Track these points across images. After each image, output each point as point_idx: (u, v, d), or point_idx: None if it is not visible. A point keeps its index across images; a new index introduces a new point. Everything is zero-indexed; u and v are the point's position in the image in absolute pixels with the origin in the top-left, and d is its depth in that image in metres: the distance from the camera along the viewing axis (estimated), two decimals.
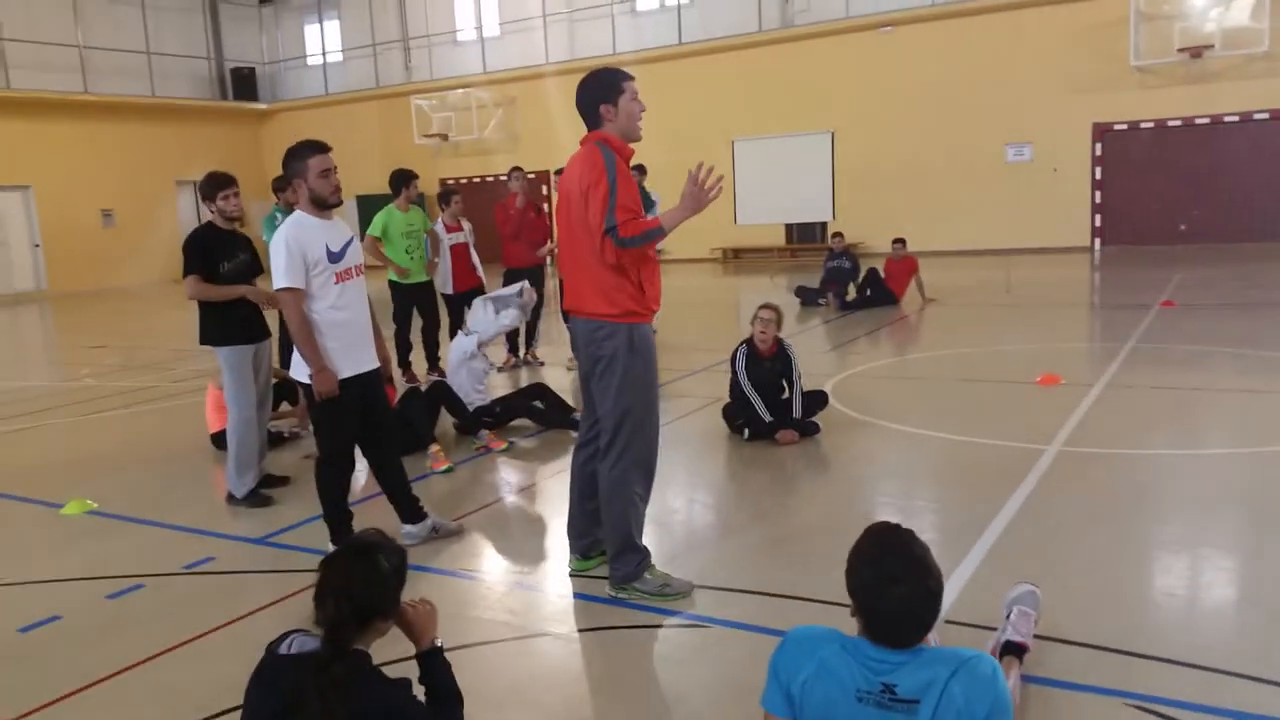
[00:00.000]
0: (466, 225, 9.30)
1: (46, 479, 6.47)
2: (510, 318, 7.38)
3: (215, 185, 5.57)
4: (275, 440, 6.66)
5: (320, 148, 4.44)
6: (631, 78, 4.07)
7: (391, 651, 2.81)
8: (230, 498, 5.65)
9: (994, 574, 4.03)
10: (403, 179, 8.72)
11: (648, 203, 9.03)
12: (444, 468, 6.10)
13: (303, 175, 4.41)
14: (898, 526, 2.23)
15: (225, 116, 28.25)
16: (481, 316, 7.31)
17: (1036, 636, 3.28)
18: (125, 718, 3.32)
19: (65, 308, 20.86)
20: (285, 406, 7.28)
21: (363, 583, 2.43)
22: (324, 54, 28.71)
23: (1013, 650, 3.11)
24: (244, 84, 28.74)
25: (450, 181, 24.09)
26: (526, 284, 7.71)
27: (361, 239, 5.15)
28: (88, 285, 24.07)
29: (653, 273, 4.08)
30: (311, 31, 29.10)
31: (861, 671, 2.12)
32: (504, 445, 6.58)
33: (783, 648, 2.26)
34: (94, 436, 7.95)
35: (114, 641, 3.91)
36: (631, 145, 4.07)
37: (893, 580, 2.09)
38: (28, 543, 5.30)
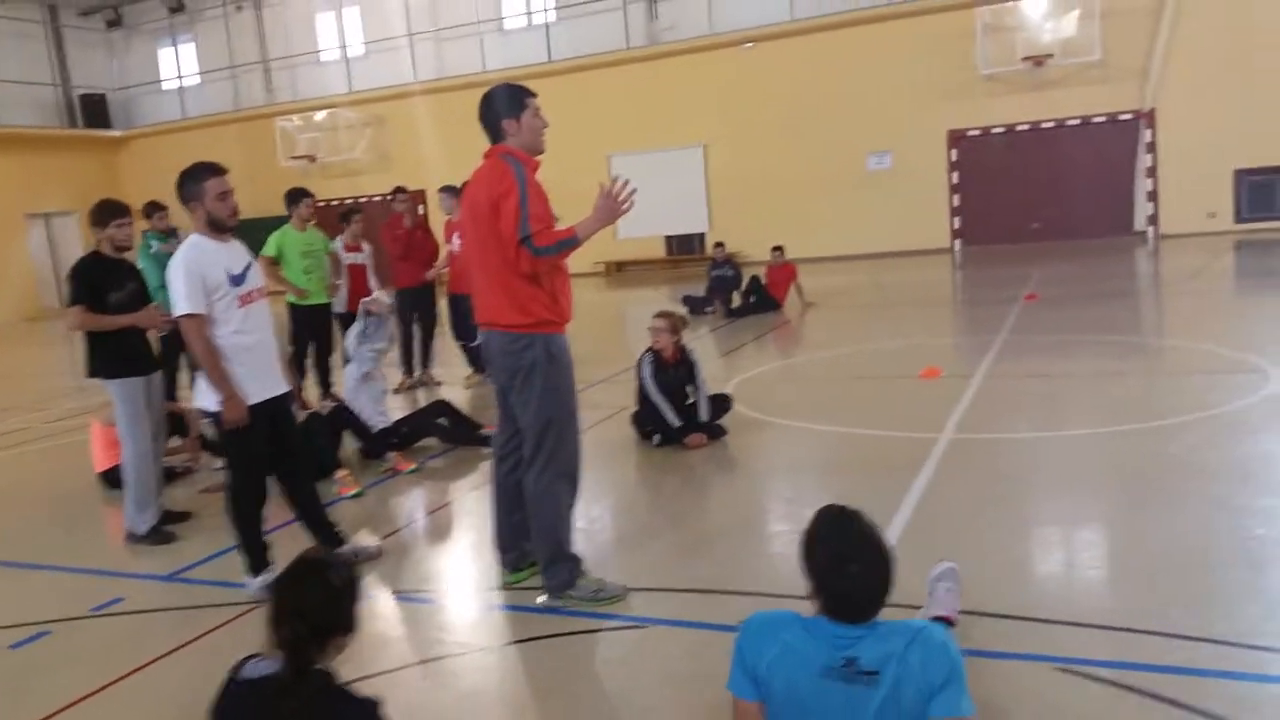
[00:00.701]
0: (366, 246, 9.16)
1: None
2: (370, 349, 7.14)
3: (110, 213, 5.37)
4: (169, 475, 6.41)
5: (217, 170, 4.35)
6: (534, 94, 4.16)
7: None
8: (131, 536, 5.42)
9: (910, 555, 4.18)
10: (293, 197, 8.47)
11: None
12: (353, 493, 6.00)
13: (200, 198, 4.31)
14: (845, 507, 2.34)
15: (76, 145, 26.82)
16: (353, 348, 7.15)
17: (960, 612, 3.48)
18: None
19: None
20: (175, 440, 7.01)
21: (316, 601, 2.40)
22: (180, 78, 27.63)
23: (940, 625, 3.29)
24: (94, 110, 27.35)
25: (319, 204, 23.54)
26: (377, 299, 7.46)
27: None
28: None
29: (564, 283, 4.14)
30: (165, 55, 27.96)
31: (824, 648, 2.23)
32: (412, 466, 6.50)
33: (745, 633, 2.35)
34: None
35: (26, 691, 3.72)
36: (536, 158, 4.14)
37: (848, 559, 2.20)
38: None
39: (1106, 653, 3.30)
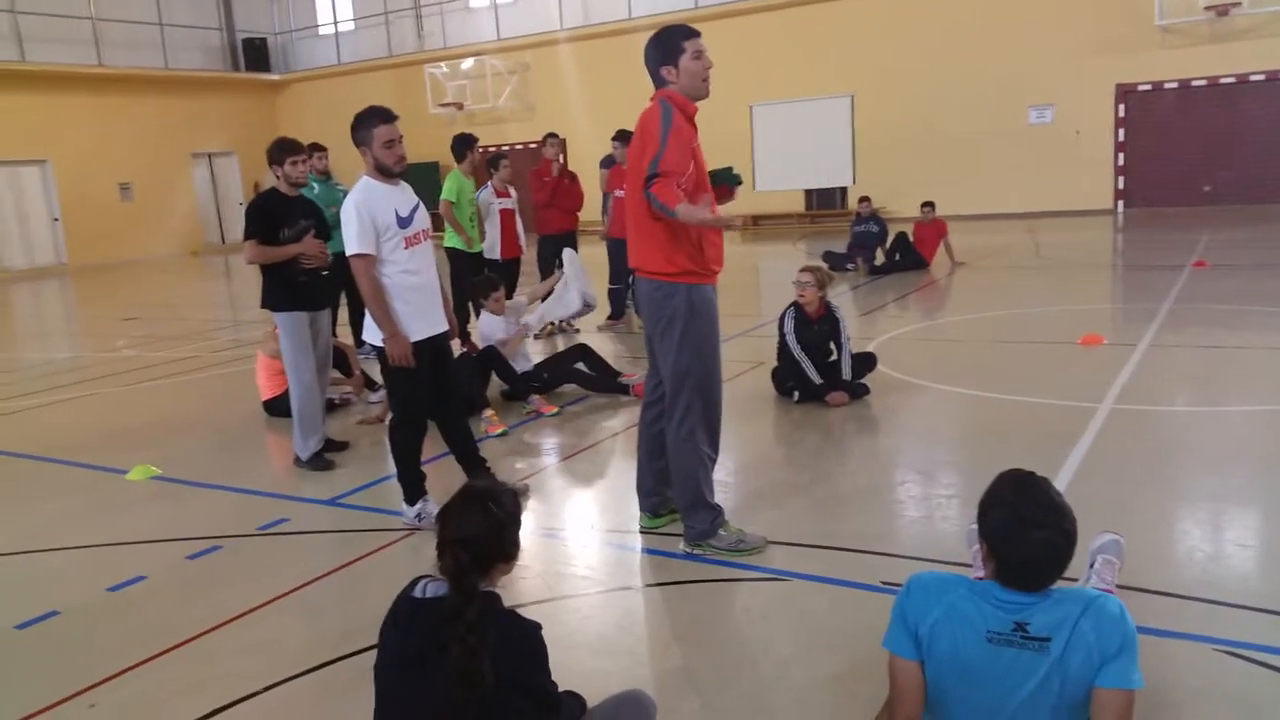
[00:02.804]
0: (513, 192, 9.31)
1: (106, 446, 6.58)
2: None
3: (286, 151, 5.62)
4: (329, 407, 6.71)
5: (387, 117, 4.45)
6: (695, 34, 4.02)
7: None
8: (297, 461, 5.73)
9: None
10: (466, 143, 8.58)
11: None
12: (499, 431, 6.17)
13: (369, 143, 4.44)
14: (1032, 473, 2.25)
15: (238, 88, 28.14)
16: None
17: (1118, 586, 3.34)
18: (225, 671, 3.40)
19: (86, 281, 20.94)
20: (337, 375, 7.33)
21: (477, 531, 2.47)
22: (335, 23, 28.52)
23: None
24: (256, 54, 28.58)
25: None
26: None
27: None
28: (106, 258, 24.13)
29: (713, 233, 4.08)
30: (323, 0, 28.90)
31: (993, 613, 2.17)
32: (554, 410, 6.64)
33: (908, 592, 2.31)
34: (144, 405, 8.03)
35: (202, 599, 4.00)
36: (697, 103, 4.06)
37: (1033, 525, 2.12)
38: (100, 507, 5.38)
39: (1275, 639, 3.12)
